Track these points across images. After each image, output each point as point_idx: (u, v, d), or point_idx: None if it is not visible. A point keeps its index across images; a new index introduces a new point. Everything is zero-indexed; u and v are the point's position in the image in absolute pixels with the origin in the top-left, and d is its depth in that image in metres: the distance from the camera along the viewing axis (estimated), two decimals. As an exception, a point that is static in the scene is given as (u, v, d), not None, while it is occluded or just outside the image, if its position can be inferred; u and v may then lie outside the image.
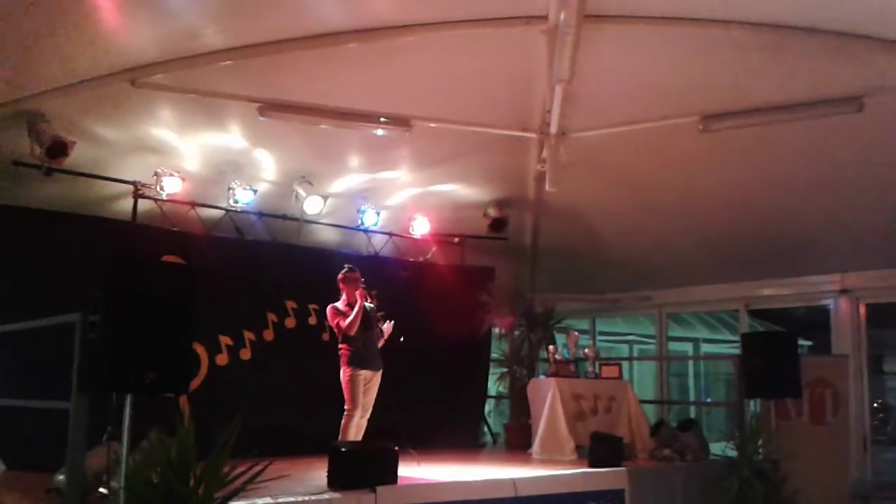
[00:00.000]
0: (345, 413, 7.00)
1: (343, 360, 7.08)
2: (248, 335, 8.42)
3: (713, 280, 10.56)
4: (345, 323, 7.04)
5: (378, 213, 9.75)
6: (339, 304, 7.23)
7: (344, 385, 7.04)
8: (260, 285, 8.53)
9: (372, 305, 7.37)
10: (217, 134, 7.89)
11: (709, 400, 16.90)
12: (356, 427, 7.03)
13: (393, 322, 7.28)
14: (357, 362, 7.04)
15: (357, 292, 7.13)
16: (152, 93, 6.88)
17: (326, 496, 5.34)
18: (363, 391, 7.05)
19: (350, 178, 9.18)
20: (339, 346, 7.16)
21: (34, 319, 5.84)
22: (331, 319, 7.20)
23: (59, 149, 6.97)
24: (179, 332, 4.47)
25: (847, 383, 8.63)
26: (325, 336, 8.69)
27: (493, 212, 10.07)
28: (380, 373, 7.19)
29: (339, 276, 7.31)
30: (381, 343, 7.24)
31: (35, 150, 6.94)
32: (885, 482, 9.11)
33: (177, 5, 5.93)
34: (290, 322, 8.79)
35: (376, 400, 7.19)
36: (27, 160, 7.06)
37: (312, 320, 8.87)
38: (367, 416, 7.14)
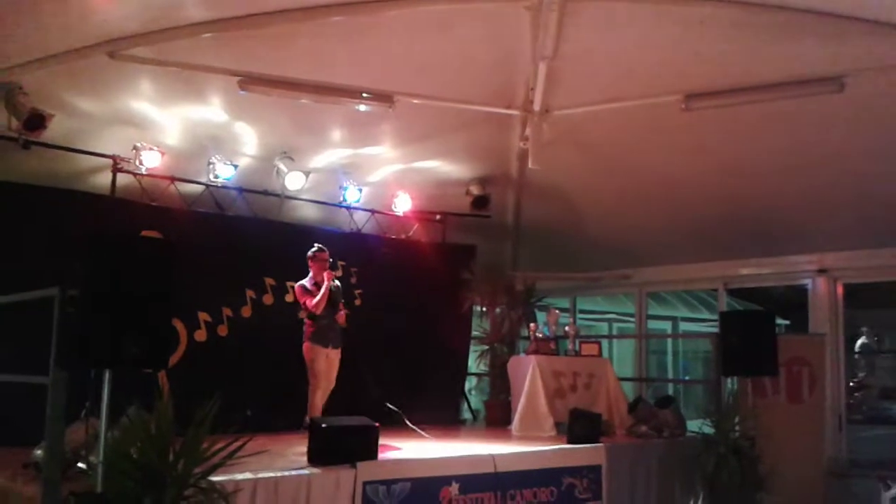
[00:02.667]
0: (309, 389, 7.22)
1: (306, 335, 7.42)
2: (227, 311, 8.40)
3: (693, 259, 10.63)
4: (312, 303, 7.37)
5: (360, 190, 9.68)
6: (307, 283, 7.53)
7: (307, 360, 7.33)
8: (239, 261, 8.47)
9: (337, 285, 7.65)
10: (197, 107, 7.79)
11: (687, 377, 17.08)
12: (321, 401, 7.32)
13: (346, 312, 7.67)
14: (319, 339, 7.39)
15: (324, 273, 7.40)
16: (132, 65, 6.76)
17: (306, 471, 5.35)
18: (326, 367, 7.35)
19: (332, 154, 9.10)
20: (305, 321, 7.51)
21: (11, 293, 5.78)
22: (299, 297, 7.55)
23: (36, 121, 6.88)
24: (159, 308, 4.45)
25: (824, 362, 8.71)
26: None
27: (475, 189, 10.03)
28: (339, 350, 7.51)
29: (309, 253, 7.61)
30: (341, 321, 7.55)
31: (12, 123, 6.86)
32: (859, 460, 9.24)
33: (157, -24, 5.84)
34: (267, 299, 8.76)
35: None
36: (4, 133, 6.96)
37: (290, 297, 8.76)
38: (330, 391, 7.41)
